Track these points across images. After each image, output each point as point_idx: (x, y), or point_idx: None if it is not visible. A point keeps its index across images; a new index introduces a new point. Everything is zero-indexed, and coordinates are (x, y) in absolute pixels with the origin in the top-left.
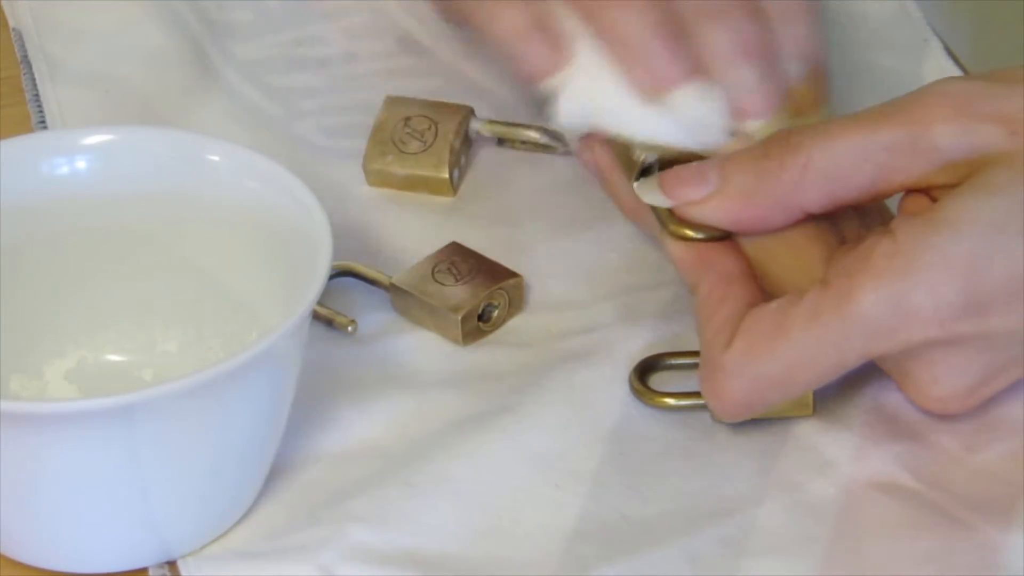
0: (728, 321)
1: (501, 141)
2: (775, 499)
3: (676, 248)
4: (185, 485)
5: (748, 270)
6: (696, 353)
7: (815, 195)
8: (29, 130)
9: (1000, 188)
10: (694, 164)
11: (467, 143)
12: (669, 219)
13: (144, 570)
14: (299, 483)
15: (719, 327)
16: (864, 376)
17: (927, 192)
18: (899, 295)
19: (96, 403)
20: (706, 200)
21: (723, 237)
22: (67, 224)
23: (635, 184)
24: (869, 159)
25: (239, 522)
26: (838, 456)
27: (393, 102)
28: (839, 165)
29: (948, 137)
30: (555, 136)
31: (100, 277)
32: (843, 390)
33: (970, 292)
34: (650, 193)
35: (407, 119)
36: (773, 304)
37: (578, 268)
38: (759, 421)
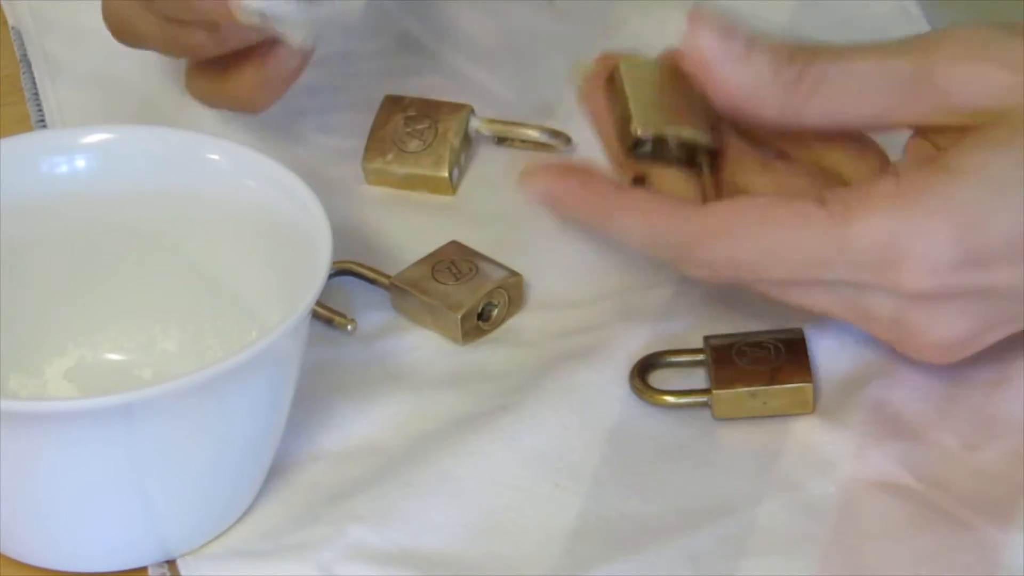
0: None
1: (501, 140)
2: (775, 498)
3: None
4: (184, 484)
5: None
6: (696, 351)
7: (819, 111)
8: (28, 129)
9: (1007, 144)
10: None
11: (467, 142)
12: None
13: (143, 569)
14: (299, 482)
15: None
16: (864, 375)
17: (932, 139)
18: (894, 231)
19: (95, 402)
20: (730, 61)
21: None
22: (66, 223)
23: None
24: (878, 88)
25: (238, 521)
26: (838, 455)
27: (392, 101)
28: (850, 87)
29: (956, 78)
30: (555, 135)
31: (99, 276)
32: (843, 389)
33: (968, 244)
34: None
35: (407, 118)
36: (762, 199)
37: (578, 267)
38: (759, 419)
